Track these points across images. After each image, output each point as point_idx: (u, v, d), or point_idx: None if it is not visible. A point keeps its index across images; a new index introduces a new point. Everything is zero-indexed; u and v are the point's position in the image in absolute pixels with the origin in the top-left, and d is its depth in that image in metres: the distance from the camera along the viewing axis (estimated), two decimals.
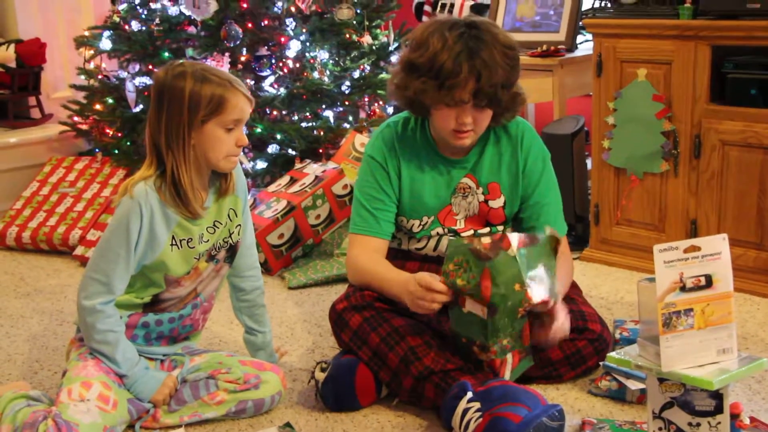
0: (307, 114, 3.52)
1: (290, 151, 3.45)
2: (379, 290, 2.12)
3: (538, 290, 1.88)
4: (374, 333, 2.07)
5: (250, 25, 3.41)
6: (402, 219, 2.22)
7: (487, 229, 2.22)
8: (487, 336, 1.91)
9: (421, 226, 2.22)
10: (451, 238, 1.86)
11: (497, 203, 2.21)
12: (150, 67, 3.49)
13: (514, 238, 1.87)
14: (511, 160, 2.20)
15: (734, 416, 1.77)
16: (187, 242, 2.01)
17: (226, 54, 3.36)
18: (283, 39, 3.45)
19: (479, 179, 2.20)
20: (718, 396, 1.64)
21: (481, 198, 2.20)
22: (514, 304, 1.88)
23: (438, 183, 2.20)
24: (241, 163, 2.33)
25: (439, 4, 4.16)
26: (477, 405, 1.84)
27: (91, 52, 3.71)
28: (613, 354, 1.73)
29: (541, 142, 2.24)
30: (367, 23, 3.68)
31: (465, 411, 1.85)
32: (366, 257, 2.17)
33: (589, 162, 3.25)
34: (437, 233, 2.22)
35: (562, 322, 1.96)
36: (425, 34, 2.05)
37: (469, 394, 1.87)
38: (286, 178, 3.28)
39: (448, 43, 2.00)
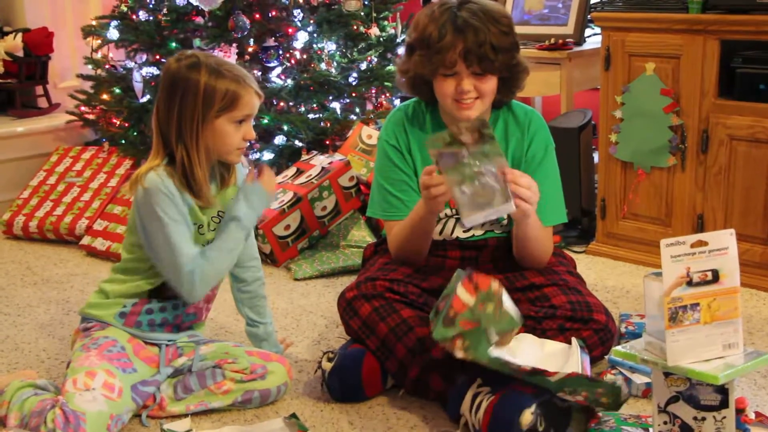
0: (314, 105, 3.52)
1: (297, 142, 3.45)
2: (414, 234, 2.16)
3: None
4: (383, 323, 2.07)
5: (257, 15, 3.41)
6: None
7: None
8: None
9: None
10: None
11: None
12: (157, 57, 3.49)
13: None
14: (517, 145, 2.22)
15: (739, 411, 1.76)
16: (198, 228, 2.02)
17: (234, 45, 3.36)
18: (290, 30, 3.45)
19: None
20: (723, 391, 1.64)
21: None
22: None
23: None
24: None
25: None
26: (488, 388, 1.87)
27: (99, 41, 3.70)
28: (618, 348, 1.72)
29: (547, 131, 2.25)
30: (374, 15, 3.68)
31: (476, 395, 1.87)
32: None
33: (596, 156, 3.25)
34: (445, 215, 2.23)
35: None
36: (419, 16, 2.15)
37: (479, 380, 1.89)
38: (292, 170, 3.28)
39: (435, 15, 2.10)
